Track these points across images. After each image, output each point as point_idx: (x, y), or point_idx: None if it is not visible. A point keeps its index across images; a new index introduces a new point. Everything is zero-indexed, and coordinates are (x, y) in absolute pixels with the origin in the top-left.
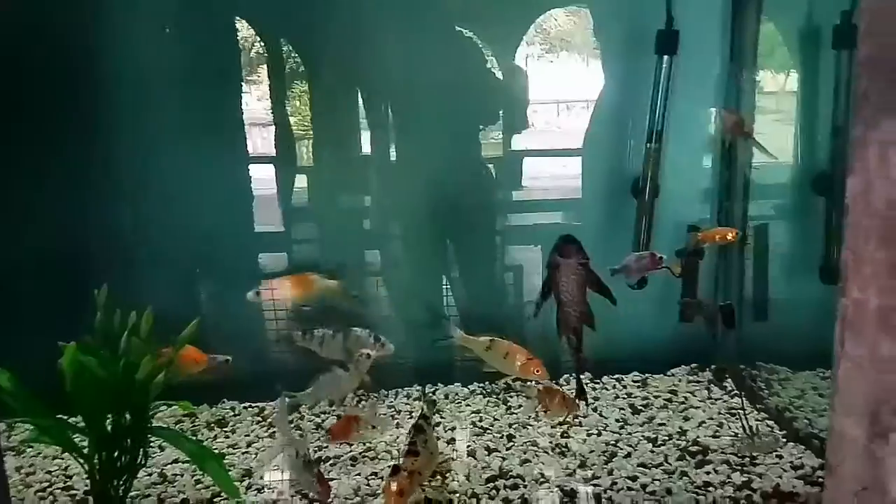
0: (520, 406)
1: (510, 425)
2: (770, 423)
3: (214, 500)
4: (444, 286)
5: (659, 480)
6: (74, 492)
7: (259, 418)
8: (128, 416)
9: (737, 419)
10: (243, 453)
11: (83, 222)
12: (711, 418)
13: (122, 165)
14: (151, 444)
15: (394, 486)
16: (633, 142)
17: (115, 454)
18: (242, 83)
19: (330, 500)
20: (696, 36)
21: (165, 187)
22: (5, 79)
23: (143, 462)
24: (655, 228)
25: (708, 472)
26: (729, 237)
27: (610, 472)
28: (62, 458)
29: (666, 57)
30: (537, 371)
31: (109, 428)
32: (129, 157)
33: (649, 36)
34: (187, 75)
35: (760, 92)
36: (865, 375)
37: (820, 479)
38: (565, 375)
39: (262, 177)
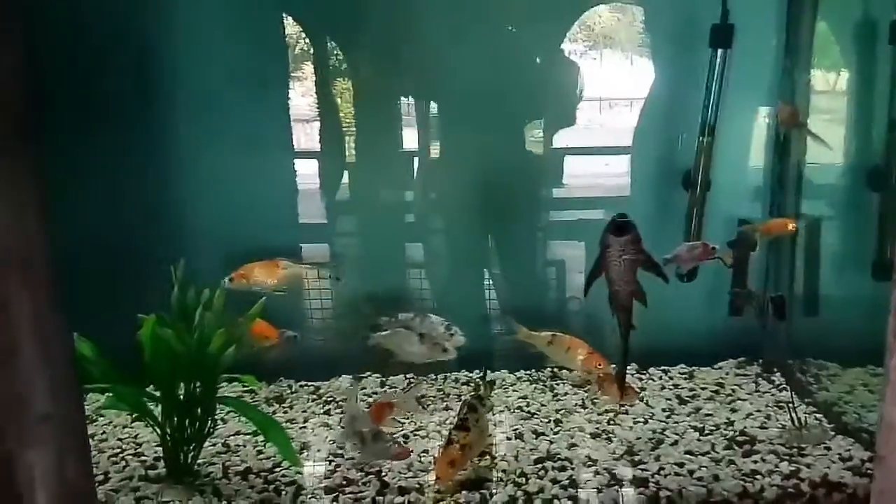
0: (566, 394)
1: (557, 411)
2: (818, 416)
3: (275, 469)
4: (487, 280)
5: (706, 467)
6: (144, 458)
7: (315, 396)
8: (199, 386)
9: (785, 411)
10: (300, 428)
11: (158, 206)
12: (759, 410)
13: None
14: (216, 415)
15: (446, 457)
16: (685, 135)
17: (186, 422)
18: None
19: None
20: (752, 30)
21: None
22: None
23: (211, 430)
24: (706, 222)
25: (755, 462)
26: (790, 227)
27: (657, 459)
28: (132, 427)
29: (720, 51)
30: (599, 365)
31: (182, 397)
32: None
33: (703, 30)
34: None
35: (815, 88)
36: None
37: (868, 471)
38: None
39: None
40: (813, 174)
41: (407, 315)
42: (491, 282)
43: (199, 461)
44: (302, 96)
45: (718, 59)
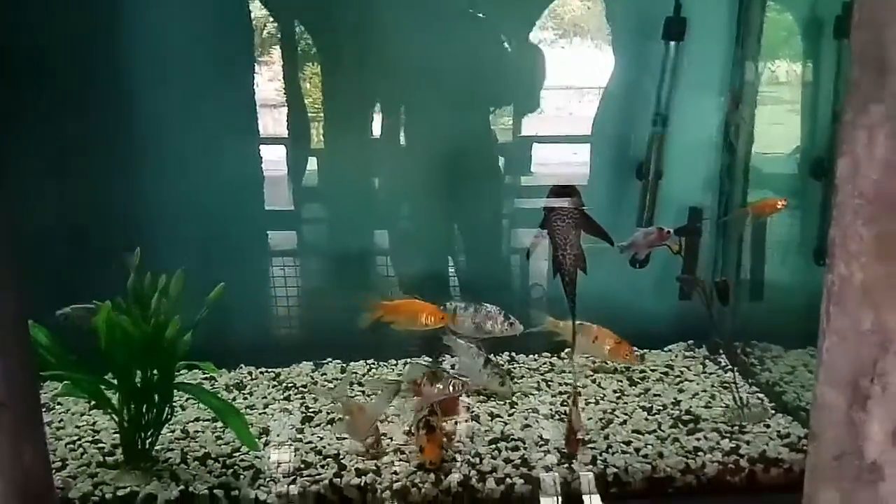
0: (522, 377)
1: (513, 394)
2: (761, 396)
3: (234, 454)
4: (450, 267)
5: (651, 445)
6: (102, 445)
7: (275, 383)
8: (155, 373)
9: (729, 392)
10: (259, 413)
11: (115, 193)
12: (705, 391)
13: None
14: (175, 402)
15: (435, 442)
16: (640, 126)
17: (143, 408)
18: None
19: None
20: (705, 23)
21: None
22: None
23: (168, 416)
24: (659, 210)
25: (698, 439)
26: (779, 206)
27: (605, 438)
28: (90, 415)
29: (673, 43)
30: (626, 355)
31: (139, 384)
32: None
33: (659, 22)
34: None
35: (764, 80)
36: (848, 347)
37: (804, 447)
38: None
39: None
40: (761, 164)
41: (460, 305)
42: (454, 268)
43: (157, 447)
44: (269, 81)
45: (671, 52)
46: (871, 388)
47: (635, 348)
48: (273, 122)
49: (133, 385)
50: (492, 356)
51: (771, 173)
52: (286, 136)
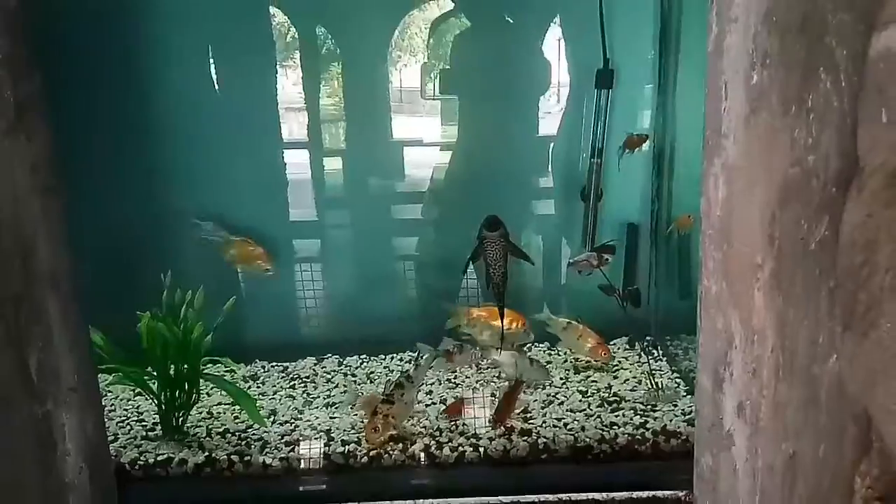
0: (487, 367)
1: (476, 381)
2: (678, 381)
3: (247, 430)
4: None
5: (578, 421)
6: (145, 423)
7: (283, 374)
8: (185, 366)
9: (653, 378)
10: (270, 399)
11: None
12: (634, 377)
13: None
14: (202, 390)
15: (370, 425)
16: (584, 156)
17: (177, 394)
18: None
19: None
20: (632, 69)
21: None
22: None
23: (196, 400)
24: (600, 226)
25: (616, 416)
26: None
27: (543, 415)
28: (135, 400)
29: (605, 91)
30: (604, 354)
31: (172, 375)
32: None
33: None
34: None
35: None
36: (711, 342)
37: None
38: None
39: None
40: (679, 187)
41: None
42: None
43: (188, 424)
44: None
45: (603, 97)
46: (724, 374)
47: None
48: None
49: (168, 376)
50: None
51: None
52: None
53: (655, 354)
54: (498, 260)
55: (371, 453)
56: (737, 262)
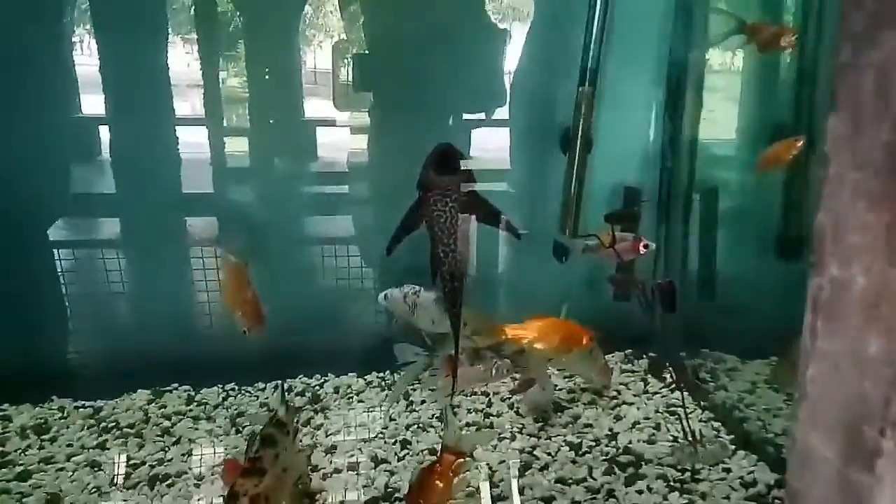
0: (423, 402)
1: (407, 427)
2: (716, 424)
3: None
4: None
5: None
6: None
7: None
8: None
9: (677, 419)
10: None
11: None
12: (647, 418)
13: None
14: None
15: None
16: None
17: None
18: None
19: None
20: None
21: None
22: None
23: None
24: (588, 190)
25: (640, 492)
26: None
27: (521, 491)
28: None
29: None
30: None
31: None
32: None
33: None
34: None
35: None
36: (844, 379)
37: (777, 501)
38: None
39: None
40: (711, 136)
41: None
42: None
43: None
44: None
45: None
46: (880, 441)
47: None
48: None
49: None
50: None
51: (724, 147)
52: None
53: (668, 380)
54: (452, 228)
55: None
56: None
